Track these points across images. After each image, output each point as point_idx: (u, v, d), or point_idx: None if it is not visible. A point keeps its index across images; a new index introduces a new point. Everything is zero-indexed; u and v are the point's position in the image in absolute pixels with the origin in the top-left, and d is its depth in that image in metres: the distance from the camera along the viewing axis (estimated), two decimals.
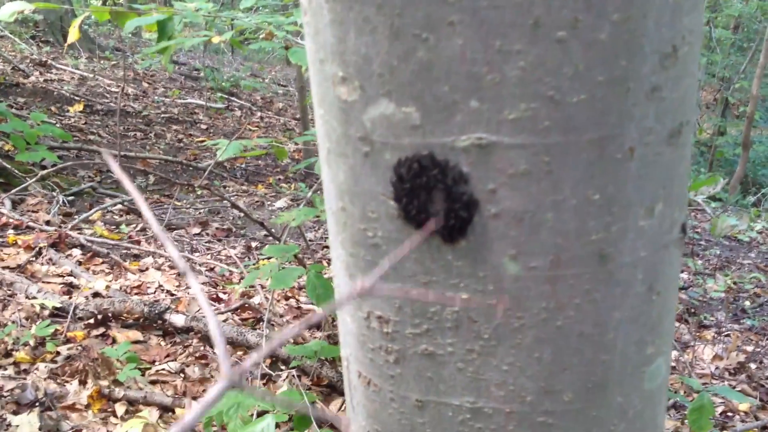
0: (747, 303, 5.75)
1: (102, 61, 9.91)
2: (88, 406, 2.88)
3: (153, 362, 3.30)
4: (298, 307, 4.12)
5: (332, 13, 0.76)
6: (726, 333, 5.08)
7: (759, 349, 4.85)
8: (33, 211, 4.83)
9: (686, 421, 2.80)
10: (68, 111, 7.44)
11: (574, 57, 0.71)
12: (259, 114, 9.73)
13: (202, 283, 4.26)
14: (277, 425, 2.40)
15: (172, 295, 4.03)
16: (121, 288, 3.97)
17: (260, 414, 2.57)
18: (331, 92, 0.81)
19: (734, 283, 6.08)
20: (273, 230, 3.82)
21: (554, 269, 0.79)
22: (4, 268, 3.89)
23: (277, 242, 3.54)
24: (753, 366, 4.58)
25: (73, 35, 2.86)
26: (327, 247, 5.16)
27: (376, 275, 0.79)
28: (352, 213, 0.86)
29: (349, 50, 0.77)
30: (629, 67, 0.73)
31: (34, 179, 3.90)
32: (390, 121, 0.77)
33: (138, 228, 5.04)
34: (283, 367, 3.34)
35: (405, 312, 0.86)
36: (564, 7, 0.69)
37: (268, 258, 4.70)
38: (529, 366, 0.84)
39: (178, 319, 3.53)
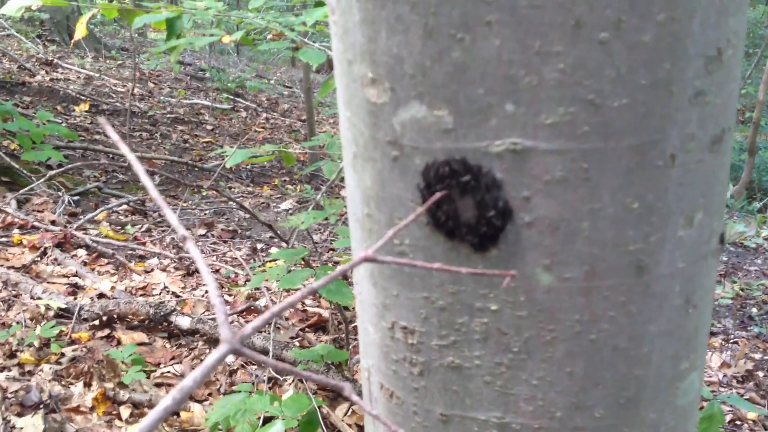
0: (754, 310, 5.71)
1: (108, 61, 9.90)
2: (92, 409, 2.85)
3: (158, 364, 3.27)
4: (304, 310, 4.09)
5: (363, 12, 0.73)
6: (733, 340, 5.04)
7: (767, 357, 4.82)
8: (38, 211, 4.80)
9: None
10: (74, 110, 7.42)
11: (616, 59, 0.68)
12: (264, 115, 9.71)
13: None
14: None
15: (178, 296, 4.00)
16: (126, 289, 3.94)
17: (267, 420, 2.54)
18: (360, 94, 0.78)
19: (741, 289, 6.04)
20: (280, 232, 3.79)
21: (589, 280, 0.76)
22: (9, 268, 3.86)
23: (285, 244, 3.51)
24: (761, 374, 4.54)
25: (80, 32, 2.83)
26: (333, 249, 5.13)
27: (380, 243, 0.76)
28: (379, 220, 0.83)
29: (379, 50, 0.74)
30: (673, 71, 0.69)
31: (42, 180, 3.87)
32: (421, 125, 0.74)
33: (143, 229, 5.01)
34: None
35: (431, 323, 0.83)
36: (607, 6, 0.66)
37: (274, 260, 4.67)
38: (560, 380, 0.81)
39: (183, 321, 3.50)
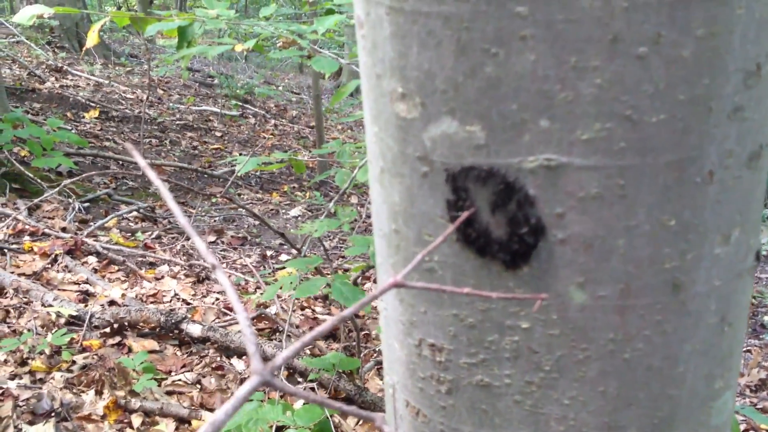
0: (766, 318, 5.67)
1: (117, 68, 9.92)
2: (104, 417, 2.84)
3: (169, 372, 3.26)
4: (314, 318, 4.07)
5: (394, 26, 0.72)
6: (746, 349, 5.01)
7: None
8: (49, 218, 4.80)
9: None
10: (84, 117, 7.44)
11: (654, 74, 0.66)
12: (273, 122, 9.71)
13: (217, 292, 4.22)
14: None
15: (188, 304, 3.99)
16: (136, 296, 3.94)
17: (279, 429, 2.53)
18: (389, 109, 0.77)
19: (753, 297, 6.00)
20: (290, 238, 3.78)
21: (624, 299, 0.75)
22: (20, 275, 3.86)
23: (296, 252, 3.50)
24: None
25: (92, 40, 2.83)
26: (343, 257, 5.12)
27: (409, 268, 0.75)
28: (407, 236, 0.81)
29: (410, 65, 0.72)
30: (712, 86, 0.68)
31: (55, 190, 3.87)
32: (452, 140, 0.73)
33: (153, 235, 5.01)
34: (300, 380, 3.29)
35: (460, 340, 0.82)
36: (646, 21, 0.65)
37: (284, 268, 4.66)
38: (593, 400, 0.79)
39: (194, 329, 3.49)
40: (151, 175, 0.61)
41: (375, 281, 2.31)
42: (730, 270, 0.78)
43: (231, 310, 3.97)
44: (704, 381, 0.82)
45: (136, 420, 2.86)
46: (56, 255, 4.18)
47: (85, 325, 3.41)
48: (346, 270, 4.72)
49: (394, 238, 0.83)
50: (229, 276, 4.42)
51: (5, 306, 3.53)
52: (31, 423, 2.72)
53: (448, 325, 0.82)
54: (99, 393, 2.97)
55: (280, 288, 2.73)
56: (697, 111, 0.68)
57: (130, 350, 3.36)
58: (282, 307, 4.01)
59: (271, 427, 2.48)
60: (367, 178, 0.90)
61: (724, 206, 0.74)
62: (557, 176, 0.71)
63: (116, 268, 4.29)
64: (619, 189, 0.70)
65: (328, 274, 3.94)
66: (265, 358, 3.36)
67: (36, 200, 4.34)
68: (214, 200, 6.06)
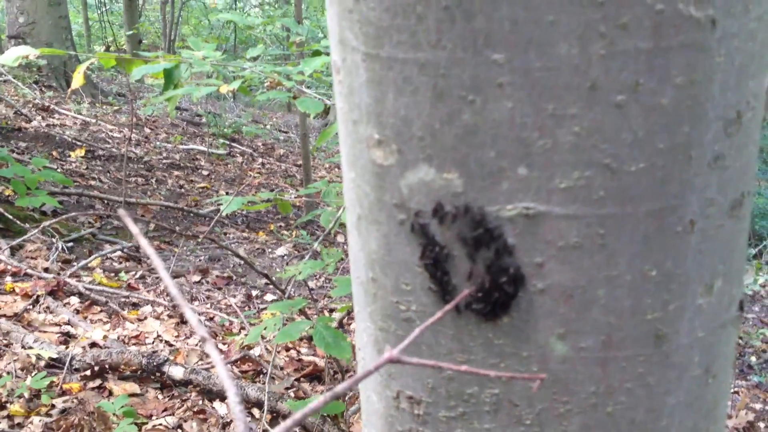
0: (753, 359, 5.65)
1: (104, 107, 9.92)
2: None
3: (150, 416, 3.20)
4: (299, 359, 4.03)
5: (370, 72, 0.71)
6: (734, 390, 4.98)
7: (767, 407, 4.76)
8: (31, 258, 4.75)
9: None
10: (70, 156, 7.41)
11: (633, 123, 0.65)
12: (260, 160, 9.70)
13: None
14: None
15: (171, 345, 3.93)
16: (119, 338, 3.88)
17: None
18: (365, 155, 0.75)
19: (740, 338, 5.99)
20: (276, 280, 3.75)
21: (605, 350, 0.73)
22: (0, 316, 3.80)
23: (281, 293, 3.47)
24: (762, 425, 4.48)
25: (77, 81, 2.82)
26: (329, 296, 5.08)
27: (405, 345, 0.72)
28: (384, 284, 0.79)
29: (386, 112, 0.71)
30: (692, 134, 0.67)
31: (37, 230, 3.84)
32: (430, 188, 0.71)
33: (137, 275, 4.96)
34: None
35: (439, 393, 0.79)
36: (624, 69, 0.64)
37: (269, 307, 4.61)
38: None
39: (176, 372, 3.43)
40: (134, 229, 0.59)
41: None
42: (713, 320, 0.76)
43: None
44: None
45: None
46: (38, 296, 4.12)
47: (66, 367, 3.35)
48: (332, 310, 4.68)
49: (371, 286, 0.82)
50: (212, 318, 4.38)
51: None
52: None
53: (426, 377, 0.80)
54: None
55: (264, 329, 2.70)
56: (677, 159, 0.67)
57: (110, 393, 3.30)
58: (266, 349, 3.97)
59: None
60: None
61: (706, 256, 0.72)
62: (536, 225, 0.69)
63: (99, 309, 4.23)
64: (599, 238, 0.69)
65: (313, 314, 3.90)
66: (248, 401, 3.31)
67: (18, 240, 4.29)
68: (200, 239, 6.03)
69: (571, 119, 0.65)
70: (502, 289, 0.72)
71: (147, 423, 3.13)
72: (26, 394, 3.12)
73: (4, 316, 3.84)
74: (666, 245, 0.70)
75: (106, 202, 6.27)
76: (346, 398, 3.39)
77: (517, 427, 0.77)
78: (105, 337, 3.81)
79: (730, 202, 0.72)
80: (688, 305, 0.73)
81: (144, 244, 0.59)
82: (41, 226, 3.42)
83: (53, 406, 3.13)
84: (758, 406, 4.76)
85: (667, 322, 0.73)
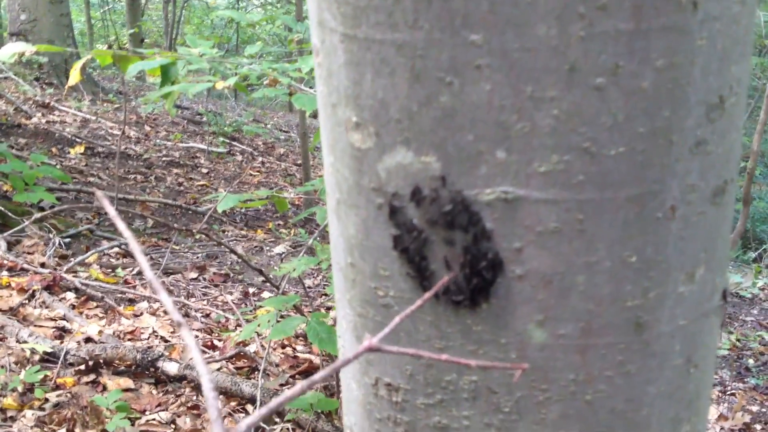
0: (751, 361, 5.64)
1: (105, 104, 9.91)
2: None
3: (143, 411, 3.19)
4: (295, 356, 4.01)
5: (348, 54, 0.70)
6: (731, 392, 4.97)
7: (764, 410, 4.74)
8: (28, 253, 4.74)
9: None
10: (69, 153, 7.40)
11: (613, 106, 0.64)
12: (260, 159, 9.69)
13: (197, 330, 4.16)
14: None
15: (166, 341, 3.92)
16: (114, 333, 3.87)
17: None
18: (344, 139, 0.75)
19: (738, 340, 5.98)
20: (272, 277, 3.74)
21: (585, 338, 0.72)
22: None
23: (276, 289, 3.46)
24: (758, 427, 4.47)
25: (74, 78, 2.82)
26: (326, 294, 5.07)
27: (384, 333, 0.71)
28: (363, 269, 0.79)
29: (364, 94, 0.70)
30: (673, 119, 0.66)
31: (30, 221, 3.83)
32: (407, 171, 0.70)
33: (134, 272, 4.95)
34: (277, 420, 3.23)
35: (417, 380, 0.78)
36: (603, 51, 0.63)
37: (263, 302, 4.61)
38: None
39: (171, 367, 3.43)
40: (111, 211, 0.58)
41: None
42: (695, 309, 0.75)
43: (209, 347, 3.91)
44: (670, 425, 0.79)
45: None
46: (34, 291, 4.12)
47: (60, 362, 3.34)
48: (329, 308, 4.67)
49: (350, 271, 0.81)
50: (209, 314, 4.37)
51: None
52: None
53: (404, 364, 0.79)
54: None
55: (258, 326, 2.69)
56: (658, 144, 0.66)
57: (104, 388, 3.29)
58: (262, 346, 3.96)
59: None
60: None
61: (687, 243, 0.72)
62: (515, 209, 0.68)
63: (95, 304, 4.23)
64: (578, 223, 0.68)
65: (309, 312, 3.89)
66: (242, 398, 3.30)
67: (10, 231, 4.29)
68: (197, 236, 6.02)
69: (550, 102, 0.65)
70: (480, 275, 0.71)
71: (140, 418, 3.12)
72: (20, 388, 3.11)
73: (0, 310, 3.83)
74: (646, 231, 0.69)
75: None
76: (340, 395, 3.37)
77: (495, 414, 0.76)
78: (100, 332, 3.80)
79: (712, 188, 0.71)
80: (669, 293, 0.72)
81: (122, 227, 0.58)
82: (33, 218, 3.41)
83: (47, 400, 3.12)
84: (755, 408, 4.74)
85: (647, 310, 0.72)
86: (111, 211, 0.60)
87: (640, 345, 0.73)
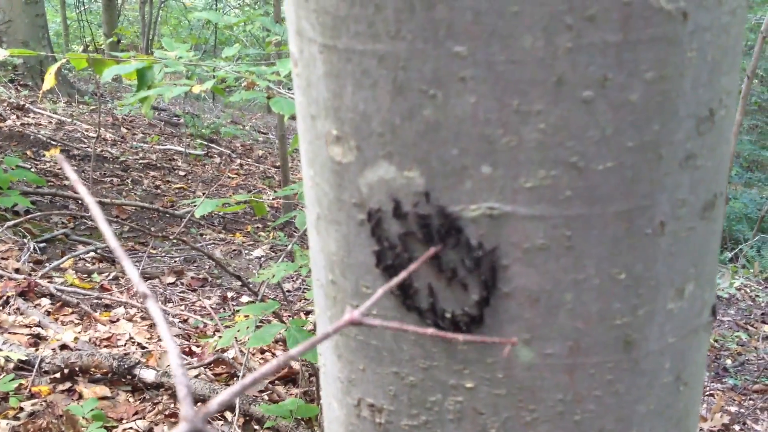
0: (728, 362, 5.67)
1: (81, 106, 9.80)
2: None
3: (120, 420, 3.14)
4: None
5: (327, 65, 0.68)
6: (709, 393, 4.99)
7: (743, 410, 4.77)
8: (2, 258, 4.67)
9: None
10: (44, 155, 7.31)
11: (601, 119, 0.62)
12: (238, 161, 9.63)
13: (174, 336, 4.11)
14: None
15: (143, 348, 3.87)
16: (90, 340, 3.81)
17: None
18: (324, 152, 0.72)
19: (715, 341, 6.01)
20: (250, 282, 3.70)
21: (573, 357, 0.70)
22: None
23: (254, 295, 3.43)
24: (737, 428, 4.49)
25: (49, 82, 2.77)
26: (306, 299, 5.04)
27: (367, 306, 0.70)
28: (344, 287, 0.76)
29: (345, 106, 0.68)
30: (662, 132, 0.64)
31: (5, 227, 3.77)
32: (390, 186, 0.68)
33: (110, 277, 4.89)
34: (257, 427, 3.19)
35: (401, 401, 0.76)
36: (591, 63, 0.61)
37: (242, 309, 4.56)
38: None
39: (148, 375, 3.38)
40: (82, 189, 0.55)
41: None
42: (684, 326, 0.74)
43: (187, 354, 3.86)
44: None
45: None
46: (8, 297, 4.05)
47: (35, 370, 3.29)
48: (308, 312, 4.63)
49: (331, 289, 0.78)
50: (187, 320, 4.32)
51: None
52: None
53: (388, 384, 0.76)
54: None
55: (238, 332, 2.66)
56: (647, 158, 0.65)
57: (80, 396, 3.24)
58: (241, 351, 3.92)
59: None
60: None
61: (677, 259, 0.70)
62: (501, 226, 0.66)
63: (70, 310, 4.17)
64: (565, 240, 0.66)
65: (287, 316, 3.85)
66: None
67: None
68: (171, 239, 5.95)
69: (537, 115, 0.62)
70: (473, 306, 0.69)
71: (117, 427, 3.07)
72: None
73: None
74: (635, 247, 0.67)
75: (79, 202, 6.19)
76: (320, 402, 3.34)
77: None
78: (76, 339, 3.74)
79: (702, 203, 0.70)
80: (658, 310, 0.71)
81: (87, 197, 0.55)
82: (5, 225, 3.35)
83: (21, 409, 3.07)
84: (733, 408, 4.77)
85: (636, 328, 0.70)
86: (72, 175, 0.57)
87: (630, 363, 0.71)
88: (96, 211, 0.54)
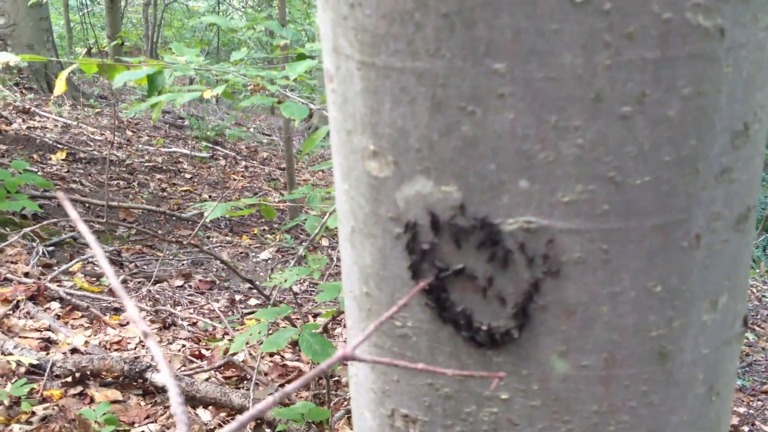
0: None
1: (86, 109, 9.82)
2: None
3: (132, 424, 3.15)
4: (284, 365, 3.99)
5: (365, 81, 0.68)
6: None
7: (751, 411, 4.77)
8: (11, 262, 4.68)
9: None
10: (50, 159, 7.33)
11: (639, 135, 0.63)
12: (243, 163, 9.64)
13: (184, 339, 4.12)
14: None
15: None
16: (100, 343, 3.83)
17: None
18: (360, 166, 0.73)
19: None
20: (259, 285, 3.71)
21: (608, 368, 0.71)
22: None
23: (265, 298, 3.43)
24: (746, 429, 4.49)
25: (59, 88, 2.78)
26: (314, 301, 5.04)
27: (361, 341, 0.71)
28: (379, 299, 0.77)
29: (382, 122, 0.69)
30: (699, 147, 0.65)
31: (19, 234, 3.79)
32: (427, 201, 0.69)
33: (119, 279, 4.90)
34: (268, 431, 3.20)
35: (435, 411, 0.77)
36: (630, 80, 0.62)
37: (253, 312, 4.57)
38: None
39: (159, 378, 3.39)
40: (73, 214, 0.56)
41: (346, 326, 2.27)
42: (717, 337, 0.74)
43: (197, 357, 3.88)
44: None
45: None
46: (18, 301, 4.06)
47: (46, 374, 3.30)
48: (317, 315, 4.65)
49: (365, 301, 0.79)
50: (195, 323, 4.33)
51: None
52: None
53: (422, 395, 0.77)
54: None
55: (250, 335, 2.66)
56: (684, 173, 0.65)
57: (92, 400, 3.25)
58: (250, 354, 3.93)
59: None
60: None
61: (711, 271, 0.70)
62: (538, 239, 0.67)
63: (80, 314, 4.18)
64: (602, 253, 0.67)
65: (298, 319, 3.86)
66: (232, 408, 3.27)
67: (1, 245, 4.23)
68: (184, 244, 5.96)
69: (575, 131, 0.63)
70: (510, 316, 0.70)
71: (129, 430, 3.08)
72: (6, 402, 3.07)
73: None
74: (671, 260, 0.68)
75: (87, 205, 6.21)
76: (332, 404, 3.35)
77: None
78: (86, 342, 3.75)
79: (736, 216, 0.70)
80: (692, 322, 0.71)
81: (83, 230, 0.56)
82: (22, 232, 3.36)
83: (34, 413, 3.08)
84: (742, 409, 4.77)
85: (671, 339, 0.71)
86: (73, 214, 0.57)
87: (664, 375, 0.72)
88: (98, 251, 0.55)
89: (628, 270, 0.67)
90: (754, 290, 7.32)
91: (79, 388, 3.34)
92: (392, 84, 0.66)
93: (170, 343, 4.04)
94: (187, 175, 8.44)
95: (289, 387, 0.51)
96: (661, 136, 0.64)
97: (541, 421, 0.73)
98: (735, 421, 4.49)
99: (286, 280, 2.33)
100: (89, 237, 0.54)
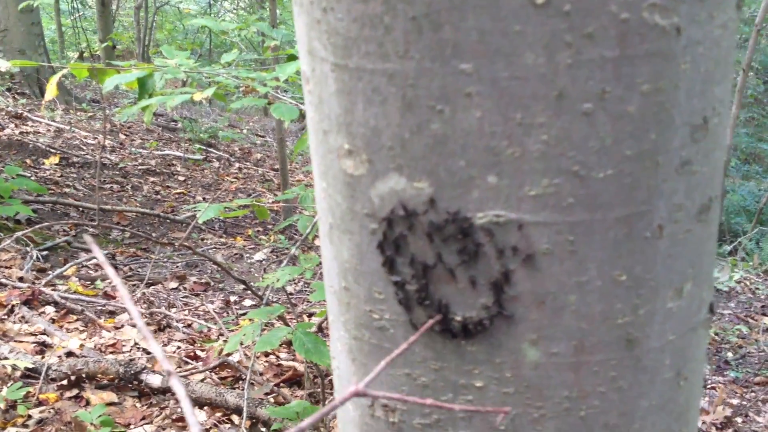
0: (729, 354, 5.70)
1: (78, 113, 9.83)
2: None
3: (128, 425, 3.17)
4: (279, 365, 4.01)
5: (339, 83, 0.71)
6: (711, 386, 5.02)
7: (744, 402, 4.80)
8: (6, 267, 4.70)
9: None
10: (43, 163, 7.34)
11: (600, 130, 0.66)
12: (237, 165, 9.66)
13: (179, 341, 4.15)
14: None
15: (148, 353, 3.91)
16: (95, 346, 3.85)
17: None
18: (336, 165, 0.75)
19: (716, 334, 6.04)
20: (253, 286, 3.73)
21: (578, 355, 0.74)
22: None
23: (258, 299, 3.45)
24: (739, 420, 4.52)
25: (51, 92, 2.80)
26: (308, 301, 5.06)
27: (372, 375, 0.73)
28: (357, 293, 0.79)
29: (356, 122, 0.71)
30: (659, 141, 0.68)
31: (12, 239, 3.80)
32: (400, 197, 0.71)
33: (113, 283, 4.91)
34: (263, 430, 3.22)
35: None
36: (591, 78, 0.64)
37: (247, 313, 4.59)
38: None
39: (154, 380, 3.41)
40: (100, 257, 0.59)
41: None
42: (683, 324, 0.77)
43: (192, 358, 3.90)
44: None
45: None
46: (13, 305, 4.08)
47: (42, 377, 3.32)
48: (311, 315, 4.67)
49: (344, 295, 0.82)
50: (190, 324, 4.35)
51: None
52: None
53: (401, 385, 0.80)
54: None
55: (243, 335, 2.68)
56: (645, 166, 0.68)
57: (88, 403, 3.27)
58: (245, 354, 3.95)
59: None
60: None
61: (675, 260, 0.73)
62: (507, 232, 0.70)
63: (74, 317, 4.20)
64: (569, 245, 0.70)
65: (292, 319, 3.89)
66: (227, 408, 3.30)
67: None
68: (176, 246, 5.98)
69: (539, 128, 0.66)
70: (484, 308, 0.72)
71: None
72: (2, 406, 3.08)
73: None
74: (635, 251, 0.71)
75: (81, 209, 6.22)
76: (326, 402, 3.38)
77: None
78: (81, 346, 3.77)
79: (697, 207, 0.73)
80: (658, 309, 0.74)
81: (111, 273, 0.58)
82: (13, 236, 3.38)
83: (30, 416, 3.10)
84: (735, 401, 4.80)
85: (638, 327, 0.74)
86: (101, 257, 0.60)
87: (632, 361, 0.75)
88: (110, 272, 0.57)
89: (594, 260, 0.70)
90: (747, 282, 7.36)
91: (75, 391, 3.36)
92: (364, 85, 0.69)
93: (165, 345, 4.06)
94: (181, 178, 8.46)
95: (303, 423, 0.53)
96: (623, 131, 0.66)
97: (514, 408, 0.76)
98: (728, 412, 4.53)
99: (278, 280, 2.36)
100: (113, 275, 0.56)
